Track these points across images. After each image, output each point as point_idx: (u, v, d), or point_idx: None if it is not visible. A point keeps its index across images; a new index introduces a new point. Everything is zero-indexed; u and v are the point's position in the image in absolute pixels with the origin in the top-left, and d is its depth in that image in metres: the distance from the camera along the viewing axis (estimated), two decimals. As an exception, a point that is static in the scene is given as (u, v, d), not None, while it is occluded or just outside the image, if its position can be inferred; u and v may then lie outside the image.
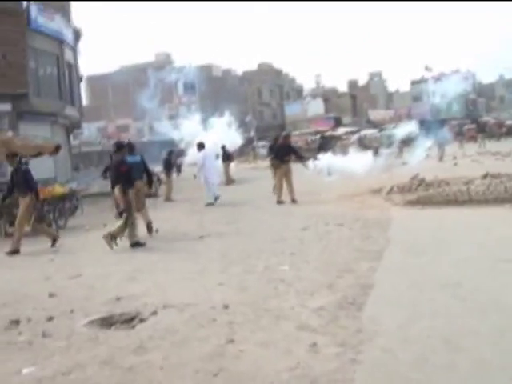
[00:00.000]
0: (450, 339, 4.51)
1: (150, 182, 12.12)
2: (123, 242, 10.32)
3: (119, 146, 10.78)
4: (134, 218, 10.25)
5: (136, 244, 9.96)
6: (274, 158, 16.85)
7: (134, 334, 5.25)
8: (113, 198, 10.69)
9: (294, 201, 15.06)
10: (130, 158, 11.44)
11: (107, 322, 5.62)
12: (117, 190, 10.04)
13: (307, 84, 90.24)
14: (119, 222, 10.04)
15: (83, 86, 44.30)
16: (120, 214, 10.11)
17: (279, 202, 15.12)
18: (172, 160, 21.97)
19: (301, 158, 17.46)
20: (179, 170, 30.07)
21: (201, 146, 17.20)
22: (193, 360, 4.41)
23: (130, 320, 5.65)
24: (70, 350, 4.91)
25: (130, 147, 12.06)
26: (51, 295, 6.81)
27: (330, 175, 18.65)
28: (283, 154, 16.05)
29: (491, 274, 6.38)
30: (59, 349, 4.95)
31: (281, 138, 17.22)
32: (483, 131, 38.04)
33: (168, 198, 18.99)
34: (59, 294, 6.88)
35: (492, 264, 6.78)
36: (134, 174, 11.00)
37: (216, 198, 16.53)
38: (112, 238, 9.83)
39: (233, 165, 26.62)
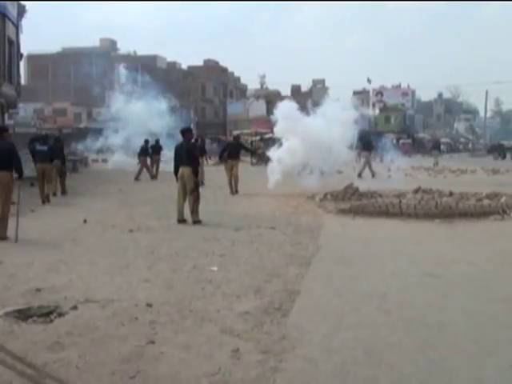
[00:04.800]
0: (373, 352, 4.53)
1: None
2: (50, 228, 10.00)
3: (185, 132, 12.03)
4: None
5: (199, 221, 11.20)
6: (222, 154, 18.99)
7: (52, 328, 5.04)
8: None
9: (236, 191, 17.38)
10: (38, 147, 15.95)
11: (24, 315, 5.36)
12: (190, 171, 11.24)
13: (251, 84, 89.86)
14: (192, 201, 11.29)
15: (23, 64, 42.85)
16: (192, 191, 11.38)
17: (232, 193, 17.34)
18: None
19: (251, 152, 23.16)
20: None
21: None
22: (110, 360, 4.26)
23: (48, 313, 5.42)
24: (-19, 342, 4.65)
25: (43, 138, 16.73)
26: (-34, 281, 6.49)
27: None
28: (233, 150, 18.52)
29: (417, 288, 6.48)
30: (-31, 340, 4.68)
31: (232, 138, 21.03)
32: (420, 147, 39.88)
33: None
34: (-25, 280, 6.56)
35: (419, 278, 6.90)
36: (40, 159, 15.64)
37: None
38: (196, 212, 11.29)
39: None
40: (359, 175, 23.41)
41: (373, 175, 23.75)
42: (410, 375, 4.10)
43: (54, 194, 16.37)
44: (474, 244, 9.15)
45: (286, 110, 18.83)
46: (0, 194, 9.61)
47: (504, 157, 51.42)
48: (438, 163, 35.04)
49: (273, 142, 22.02)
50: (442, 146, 52.46)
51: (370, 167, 24.21)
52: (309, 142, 17.59)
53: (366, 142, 24.87)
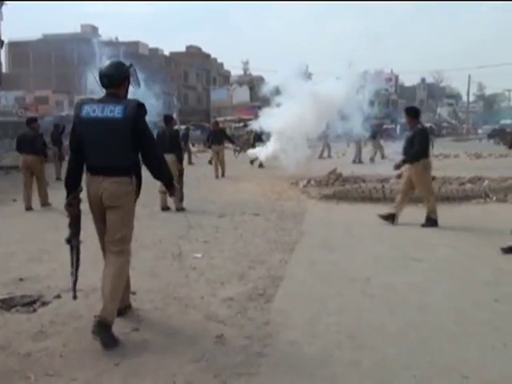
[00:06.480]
0: (356, 335, 4.57)
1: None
2: (33, 217, 9.94)
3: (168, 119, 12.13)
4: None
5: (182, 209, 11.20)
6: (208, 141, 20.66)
7: (35, 317, 5.02)
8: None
9: (223, 175, 18.73)
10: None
11: (7, 305, 5.34)
12: (173, 159, 10.80)
13: (234, 71, 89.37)
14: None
15: (3, 52, 42.31)
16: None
17: (216, 177, 18.56)
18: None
19: (232, 143, 22.72)
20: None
21: None
22: (94, 348, 4.25)
23: (31, 303, 5.41)
24: (-36, 332, 4.63)
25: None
26: None
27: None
28: (216, 137, 19.82)
29: (400, 272, 6.53)
30: (-49, 330, 4.66)
31: (212, 125, 22.54)
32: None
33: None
34: (-43, 271, 6.50)
35: (402, 262, 6.95)
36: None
37: None
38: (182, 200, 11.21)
39: None
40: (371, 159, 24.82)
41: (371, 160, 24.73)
42: (394, 357, 4.14)
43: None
44: (456, 228, 9.22)
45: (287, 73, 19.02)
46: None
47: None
48: (433, 147, 35.73)
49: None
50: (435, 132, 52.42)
51: (382, 154, 25.15)
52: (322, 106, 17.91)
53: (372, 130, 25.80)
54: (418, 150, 9.27)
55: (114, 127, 4.42)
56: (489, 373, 3.92)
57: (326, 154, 27.50)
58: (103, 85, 4.64)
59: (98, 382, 3.74)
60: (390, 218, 9.53)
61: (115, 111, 4.42)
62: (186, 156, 25.48)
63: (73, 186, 4.66)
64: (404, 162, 9.44)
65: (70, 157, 4.73)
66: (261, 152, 20.70)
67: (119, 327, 4.66)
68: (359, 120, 20.15)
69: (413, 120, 9.63)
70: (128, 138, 4.46)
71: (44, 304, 5.37)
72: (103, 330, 4.32)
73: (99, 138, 4.46)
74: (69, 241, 4.66)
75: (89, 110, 4.48)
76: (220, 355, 4.15)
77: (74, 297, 4.69)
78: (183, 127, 38.70)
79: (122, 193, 4.57)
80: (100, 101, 4.56)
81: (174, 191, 5.13)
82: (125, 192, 4.59)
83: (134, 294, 5.51)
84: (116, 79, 4.60)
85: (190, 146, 28.48)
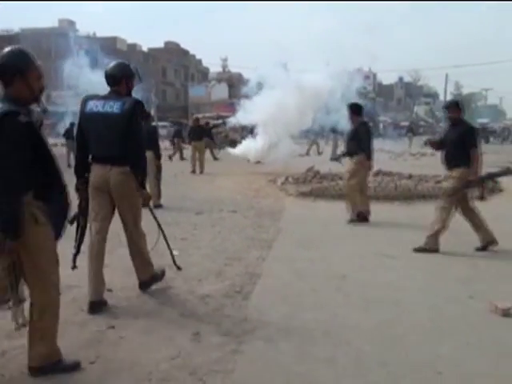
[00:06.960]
0: (332, 332, 4.59)
1: None
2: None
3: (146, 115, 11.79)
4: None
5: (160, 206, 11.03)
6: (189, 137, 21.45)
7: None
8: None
9: (201, 172, 19.02)
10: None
11: (-20, 302, 5.27)
12: (151, 155, 10.65)
13: (213, 67, 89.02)
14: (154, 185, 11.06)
15: (-23, 46, 41.70)
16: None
17: (192, 171, 19.11)
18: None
19: (211, 139, 23.51)
20: None
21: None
22: (70, 346, 4.21)
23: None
24: None
25: None
26: None
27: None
28: (195, 134, 20.40)
29: (376, 269, 6.58)
30: None
31: (192, 121, 22.88)
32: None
33: None
34: None
35: (378, 259, 7.01)
36: None
37: None
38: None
39: None
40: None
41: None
42: (369, 354, 4.18)
43: None
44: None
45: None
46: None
47: (487, 141, 47.85)
48: (411, 145, 36.50)
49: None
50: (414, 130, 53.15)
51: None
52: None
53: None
54: (369, 143, 9.49)
55: (112, 121, 4.91)
56: (463, 368, 3.97)
57: (305, 151, 27.54)
58: (108, 83, 5.19)
59: (73, 380, 3.72)
60: (361, 218, 9.56)
61: (114, 107, 4.94)
62: (177, 152, 25.82)
63: (80, 173, 5.23)
64: (368, 157, 9.55)
65: (77, 147, 5.28)
66: (249, 149, 20.51)
67: (94, 325, 4.65)
68: (339, 117, 20.16)
69: (355, 116, 9.71)
70: (125, 131, 4.93)
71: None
72: (150, 283, 5.64)
73: (100, 130, 4.98)
74: (75, 217, 5.18)
75: (92, 106, 5.04)
76: (196, 352, 4.14)
77: (73, 267, 5.36)
78: (166, 124, 38.45)
79: (128, 183, 5.11)
80: (103, 97, 5.11)
81: (146, 199, 5.63)
82: (130, 181, 5.11)
83: (110, 291, 5.49)
84: (118, 78, 5.15)
85: (161, 142, 28.38)
